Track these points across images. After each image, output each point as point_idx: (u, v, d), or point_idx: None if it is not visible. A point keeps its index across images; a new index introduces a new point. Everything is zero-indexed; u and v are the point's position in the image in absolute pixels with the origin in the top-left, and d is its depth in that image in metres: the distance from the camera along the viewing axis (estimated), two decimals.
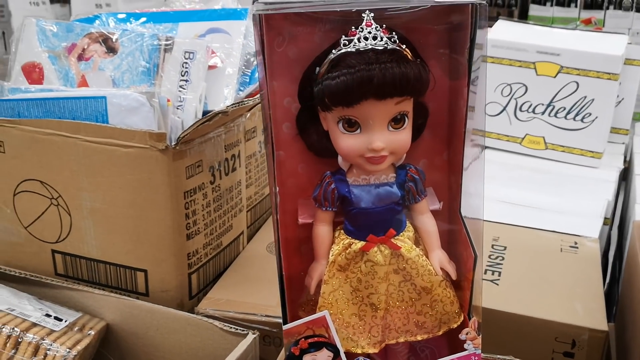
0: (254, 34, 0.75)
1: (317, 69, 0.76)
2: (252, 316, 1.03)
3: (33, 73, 1.13)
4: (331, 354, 0.82)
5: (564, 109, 1.70)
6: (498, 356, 0.92)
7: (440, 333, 0.86)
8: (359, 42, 0.74)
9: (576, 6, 2.83)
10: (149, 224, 1.02)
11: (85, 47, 1.08)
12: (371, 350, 0.84)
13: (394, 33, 0.74)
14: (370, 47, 0.73)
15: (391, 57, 0.73)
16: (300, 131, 0.82)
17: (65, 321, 1.00)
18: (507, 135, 1.75)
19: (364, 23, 0.74)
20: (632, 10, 2.72)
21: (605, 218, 1.50)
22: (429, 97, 0.80)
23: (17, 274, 1.09)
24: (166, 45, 1.05)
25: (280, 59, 0.79)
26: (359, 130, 0.76)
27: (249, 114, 1.16)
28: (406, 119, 0.77)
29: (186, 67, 1.04)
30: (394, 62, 0.73)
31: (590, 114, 1.68)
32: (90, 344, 0.99)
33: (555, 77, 1.69)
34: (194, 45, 1.05)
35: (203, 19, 1.14)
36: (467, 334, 0.82)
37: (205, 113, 1.04)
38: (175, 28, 1.13)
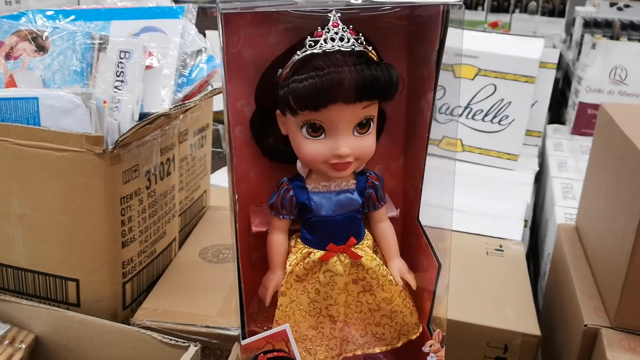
0: (218, 33, 0.71)
1: (280, 70, 0.73)
2: (191, 327, 0.99)
3: None
4: None
5: (482, 111, 1.72)
6: None
7: (400, 345, 0.84)
8: (325, 43, 0.71)
9: (483, 9, 2.88)
10: (83, 231, 0.97)
11: (14, 45, 1.02)
12: None
13: (360, 34, 0.72)
14: (337, 48, 0.71)
15: (360, 60, 0.71)
16: (255, 135, 0.80)
17: None
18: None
19: (330, 23, 0.71)
20: (537, 14, 2.78)
21: (525, 220, 1.52)
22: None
23: None
24: (100, 44, 1.00)
25: (234, 60, 0.76)
26: (323, 135, 0.74)
27: (182, 116, 1.12)
28: (372, 123, 0.75)
29: (122, 67, 1.00)
30: (364, 64, 0.71)
31: (507, 117, 1.71)
32: (22, 359, 0.94)
33: (473, 79, 1.70)
34: (130, 44, 1.00)
35: (137, 17, 1.09)
36: (430, 346, 0.81)
37: (142, 115, 1.00)
38: (107, 26, 1.08)
